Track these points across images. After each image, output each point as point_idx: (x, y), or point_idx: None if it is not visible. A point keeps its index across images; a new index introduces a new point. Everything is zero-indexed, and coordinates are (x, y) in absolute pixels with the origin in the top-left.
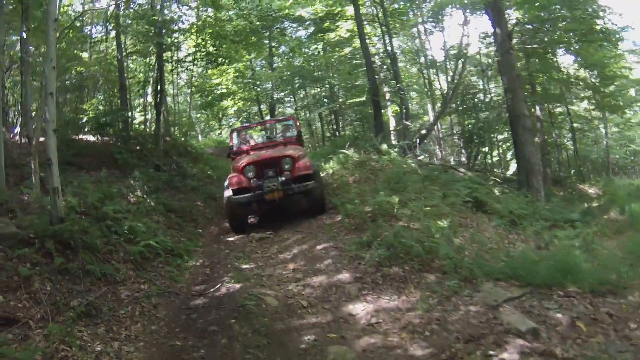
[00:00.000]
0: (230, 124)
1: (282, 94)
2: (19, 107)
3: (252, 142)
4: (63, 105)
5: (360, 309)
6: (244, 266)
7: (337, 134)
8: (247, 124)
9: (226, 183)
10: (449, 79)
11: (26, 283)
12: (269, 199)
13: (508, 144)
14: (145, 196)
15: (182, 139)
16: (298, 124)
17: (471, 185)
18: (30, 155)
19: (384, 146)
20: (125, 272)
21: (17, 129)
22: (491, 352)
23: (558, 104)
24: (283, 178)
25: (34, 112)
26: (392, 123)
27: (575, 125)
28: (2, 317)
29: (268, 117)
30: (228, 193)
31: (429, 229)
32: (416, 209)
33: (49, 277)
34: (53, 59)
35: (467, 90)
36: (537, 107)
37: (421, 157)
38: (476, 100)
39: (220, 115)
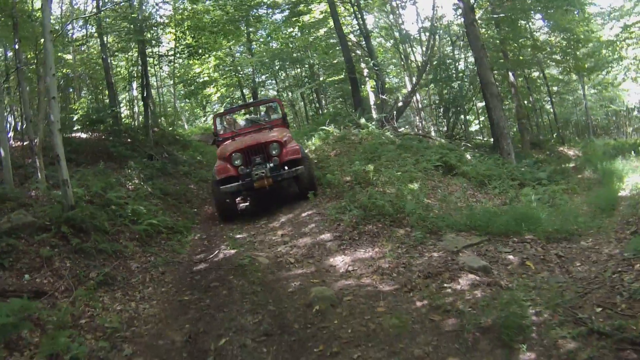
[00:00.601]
0: (214, 110)
1: (264, 77)
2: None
3: (236, 127)
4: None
5: (339, 261)
6: (238, 236)
7: (320, 112)
8: (231, 108)
9: (213, 171)
10: (423, 50)
11: (48, 262)
12: (258, 187)
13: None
14: (142, 183)
15: (170, 129)
16: (282, 105)
17: (442, 152)
18: (30, 156)
19: (362, 120)
20: (133, 248)
21: (11, 133)
22: (445, 285)
23: (534, 69)
24: (271, 164)
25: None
26: (372, 98)
27: (555, 89)
28: (31, 291)
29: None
30: (215, 183)
31: (401, 192)
32: (390, 175)
33: (67, 256)
34: (52, 67)
35: (441, 61)
36: (510, 74)
37: (401, 129)
38: (450, 70)
39: (204, 103)
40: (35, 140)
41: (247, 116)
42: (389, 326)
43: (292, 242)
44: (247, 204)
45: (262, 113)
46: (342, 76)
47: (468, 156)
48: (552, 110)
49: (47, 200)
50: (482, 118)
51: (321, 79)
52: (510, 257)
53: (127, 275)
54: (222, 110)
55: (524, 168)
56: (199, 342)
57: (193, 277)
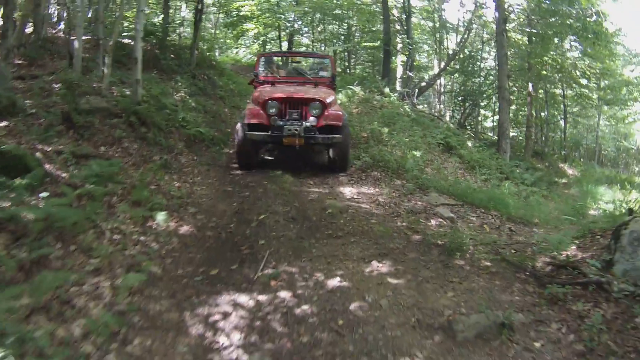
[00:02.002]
0: (248, 44)
1: (301, 24)
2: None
3: (280, 73)
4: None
5: (347, 190)
6: (267, 157)
7: (348, 71)
8: (278, 52)
9: (243, 113)
10: (457, 40)
11: (119, 142)
12: (286, 144)
13: None
14: (188, 97)
15: (208, 54)
16: (334, 64)
17: (447, 133)
18: (94, 52)
19: (387, 90)
20: (181, 148)
21: (62, 26)
22: (421, 220)
23: (554, 86)
24: (308, 124)
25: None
26: (400, 71)
27: (574, 109)
28: (107, 159)
29: (294, 50)
30: (242, 126)
31: (405, 154)
32: (399, 140)
33: (134, 140)
34: None
35: (470, 55)
36: (530, 84)
37: (419, 106)
38: (475, 66)
39: (239, 36)
40: (110, 42)
41: (293, 64)
42: (376, 230)
43: (312, 172)
44: (271, 157)
45: (311, 69)
46: (377, 44)
47: (469, 143)
48: (564, 127)
49: (111, 93)
50: (497, 117)
51: (356, 40)
52: (474, 219)
53: (180, 165)
54: (256, 48)
55: (514, 167)
56: (244, 214)
57: (233, 177)
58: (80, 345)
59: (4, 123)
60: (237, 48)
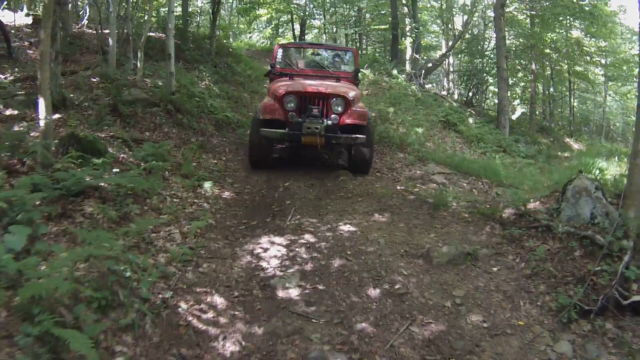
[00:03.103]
0: (261, 29)
1: (313, 7)
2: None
3: (299, 65)
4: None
5: None
6: (281, 157)
7: (359, 52)
8: (297, 42)
9: (257, 107)
10: (464, 20)
11: (159, 127)
12: (305, 143)
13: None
14: (211, 85)
15: (225, 41)
16: (357, 57)
17: (449, 112)
18: (125, 47)
19: (395, 72)
20: (212, 131)
21: (85, 21)
22: (417, 184)
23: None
24: (329, 122)
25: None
26: (409, 52)
27: (581, 86)
28: (153, 142)
29: (308, 40)
30: (255, 122)
31: (409, 131)
32: (403, 119)
33: (172, 125)
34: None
35: (474, 36)
36: (533, 62)
37: (428, 85)
38: (479, 46)
39: (252, 21)
40: (142, 38)
41: (313, 56)
42: (379, 192)
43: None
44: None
45: (331, 61)
46: (386, 27)
47: (470, 120)
48: (569, 103)
49: (145, 84)
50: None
51: (366, 22)
52: (465, 185)
53: (212, 146)
54: (269, 34)
55: (513, 141)
56: (272, 182)
57: None
58: (166, 268)
59: (58, 115)
60: (250, 33)
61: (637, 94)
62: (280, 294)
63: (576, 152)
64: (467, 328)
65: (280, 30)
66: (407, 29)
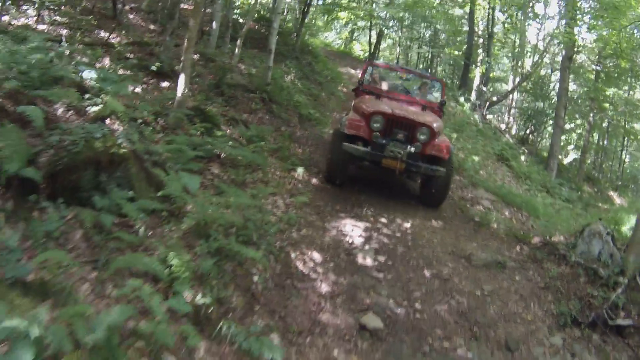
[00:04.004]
0: (338, 30)
1: (394, 23)
2: None
3: (386, 86)
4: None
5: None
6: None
7: (430, 70)
8: (388, 64)
9: (343, 119)
10: (533, 60)
11: (255, 112)
12: (385, 166)
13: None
14: (296, 80)
15: (306, 38)
16: (445, 89)
17: (504, 147)
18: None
19: (461, 99)
20: (296, 123)
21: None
22: (467, 205)
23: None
24: (412, 149)
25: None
26: (477, 81)
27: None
28: (251, 124)
29: (400, 64)
30: (338, 135)
31: (466, 157)
32: (464, 145)
33: (265, 112)
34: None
35: (540, 79)
36: (591, 114)
37: (490, 116)
38: (543, 89)
39: (330, 22)
40: (244, 26)
41: (402, 81)
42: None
43: None
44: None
45: (416, 89)
46: (459, 54)
47: (522, 158)
48: (620, 158)
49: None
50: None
51: (441, 44)
52: (506, 213)
53: (297, 137)
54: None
55: (557, 184)
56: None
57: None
58: (280, 226)
59: (166, 83)
60: (326, 32)
61: None
62: (360, 261)
63: (617, 207)
64: (489, 311)
65: (356, 34)
66: (479, 58)
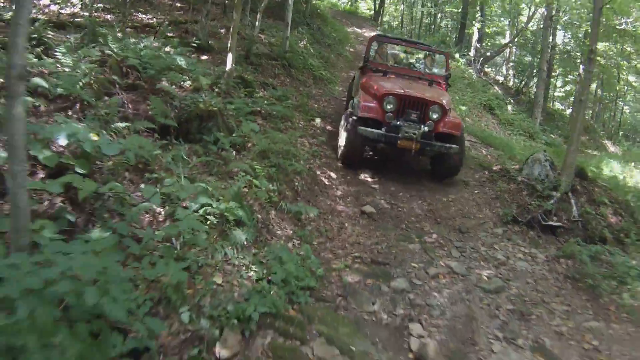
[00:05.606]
0: None
1: None
2: None
3: (389, 60)
4: None
5: None
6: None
7: (433, 27)
8: (393, 37)
9: (355, 102)
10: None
11: (278, 77)
12: (401, 147)
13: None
14: (308, 45)
15: (315, 1)
16: (449, 61)
17: (491, 98)
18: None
19: (457, 55)
20: (311, 84)
21: None
22: None
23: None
24: (426, 128)
25: None
26: (475, 37)
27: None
28: (275, 87)
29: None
30: (352, 120)
31: (455, 107)
32: (452, 97)
33: (286, 76)
34: None
35: (533, 33)
36: (581, 67)
37: (488, 69)
38: (535, 44)
39: None
40: (263, 4)
41: (406, 55)
42: None
43: None
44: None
45: (421, 62)
46: (458, 11)
47: (509, 107)
48: (616, 108)
49: (263, 39)
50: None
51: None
52: (483, 151)
53: (312, 95)
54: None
55: (540, 130)
56: None
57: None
58: (306, 155)
59: (205, 57)
60: None
61: None
62: (362, 177)
63: (607, 153)
64: (451, 210)
65: None
66: (478, 16)
